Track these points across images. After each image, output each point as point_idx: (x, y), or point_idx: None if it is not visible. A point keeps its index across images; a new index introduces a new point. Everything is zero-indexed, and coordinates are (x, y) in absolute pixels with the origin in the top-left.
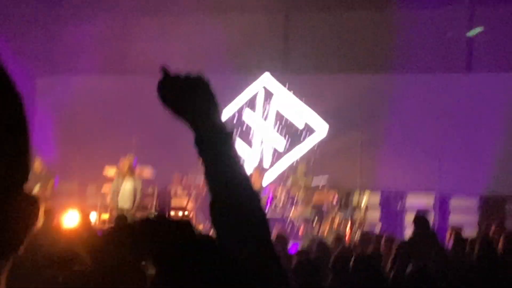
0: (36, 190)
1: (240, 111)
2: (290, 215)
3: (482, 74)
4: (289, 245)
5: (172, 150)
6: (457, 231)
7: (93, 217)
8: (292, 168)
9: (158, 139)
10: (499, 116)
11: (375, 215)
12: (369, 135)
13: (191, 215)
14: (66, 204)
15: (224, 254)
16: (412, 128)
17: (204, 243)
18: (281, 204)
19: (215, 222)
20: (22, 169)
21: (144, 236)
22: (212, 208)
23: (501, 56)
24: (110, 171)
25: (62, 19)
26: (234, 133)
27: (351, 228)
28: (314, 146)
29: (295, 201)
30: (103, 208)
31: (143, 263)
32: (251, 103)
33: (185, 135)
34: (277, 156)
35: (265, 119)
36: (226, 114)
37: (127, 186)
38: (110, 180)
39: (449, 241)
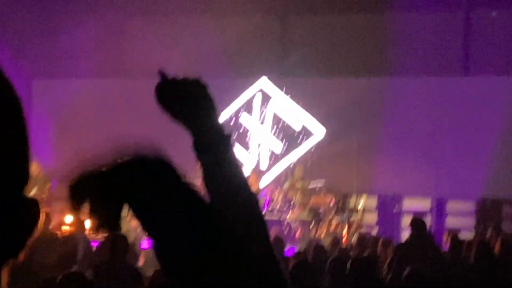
0: (32, 193)
1: (237, 115)
2: (287, 218)
3: (479, 78)
4: (286, 248)
5: (169, 154)
6: (454, 234)
7: (89, 223)
8: (289, 171)
9: (155, 142)
10: (495, 119)
11: (372, 218)
12: (366, 138)
13: None
14: (63, 208)
15: (212, 209)
16: (409, 132)
17: (188, 186)
18: (278, 207)
19: None
20: (22, 173)
21: (120, 180)
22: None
23: (497, 60)
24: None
25: (59, 22)
26: (232, 135)
27: (348, 231)
28: (311, 149)
29: (292, 204)
30: None
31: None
32: (248, 107)
33: (182, 138)
34: (274, 159)
35: (262, 122)
36: (223, 117)
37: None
38: None
39: (446, 244)
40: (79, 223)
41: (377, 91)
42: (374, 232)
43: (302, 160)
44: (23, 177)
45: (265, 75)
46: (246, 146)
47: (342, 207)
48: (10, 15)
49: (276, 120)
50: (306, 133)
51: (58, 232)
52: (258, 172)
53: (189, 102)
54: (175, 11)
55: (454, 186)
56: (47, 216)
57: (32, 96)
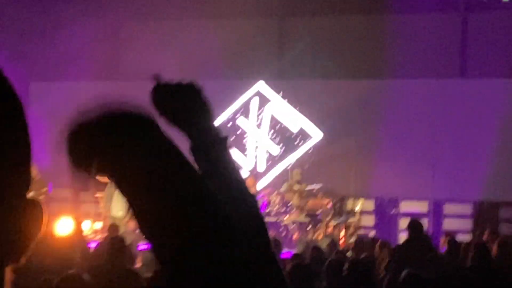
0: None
1: (234, 117)
2: (285, 220)
3: (476, 80)
4: (283, 251)
5: None
6: (451, 237)
7: (87, 225)
8: (287, 174)
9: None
10: (493, 122)
11: (369, 221)
12: (363, 140)
13: None
14: (60, 211)
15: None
16: (406, 134)
17: (172, 144)
18: (275, 209)
19: None
20: (25, 175)
21: (100, 133)
22: None
23: (495, 62)
24: (104, 177)
25: (56, 25)
26: (229, 138)
27: (345, 233)
28: (308, 152)
29: (289, 207)
30: (97, 216)
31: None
32: (245, 110)
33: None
34: (271, 161)
35: (259, 125)
36: (220, 119)
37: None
38: (103, 186)
39: (443, 247)
40: (76, 226)
41: (375, 93)
42: (372, 234)
43: (299, 163)
44: (27, 179)
45: (262, 76)
46: (243, 148)
47: (339, 209)
48: (7, 17)
49: (274, 122)
50: (303, 135)
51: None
52: (255, 175)
53: (184, 106)
54: (171, 14)
55: (451, 189)
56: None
57: (28, 99)
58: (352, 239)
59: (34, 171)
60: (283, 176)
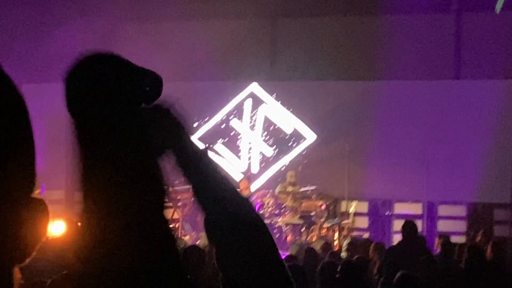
0: None
1: (227, 119)
2: (278, 222)
3: (470, 81)
4: None
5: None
6: (445, 238)
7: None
8: (280, 176)
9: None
10: (487, 123)
11: (363, 222)
12: (357, 142)
13: (177, 226)
14: (53, 213)
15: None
16: (400, 136)
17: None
18: (269, 211)
19: (212, 238)
20: (30, 175)
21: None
22: (206, 225)
23: (489, 63)
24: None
25: (50, 26)
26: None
27: (339, 235)
28: (302, 154)
29: (283, 208)
30: None
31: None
32: (239, 111)
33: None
34: (265, 163)
35: (253, 127)
36: (213, 121)
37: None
38: None
39: (437, 248)
40: (70, 227)
41: (368, 95)
42: (366, 236)
43: (293, 165)
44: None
45: (256, 78)
46: (237, 150)
47: (333, 211)
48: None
49: (267, 124)
50: (297, 137)
51: (49, 236)
52: (249, 176)
53: (156, 132)
54: (165, 16)
55: (445, 190)
56: None
57: None
58: (346, 241)
59: None
60: (277, 178)
